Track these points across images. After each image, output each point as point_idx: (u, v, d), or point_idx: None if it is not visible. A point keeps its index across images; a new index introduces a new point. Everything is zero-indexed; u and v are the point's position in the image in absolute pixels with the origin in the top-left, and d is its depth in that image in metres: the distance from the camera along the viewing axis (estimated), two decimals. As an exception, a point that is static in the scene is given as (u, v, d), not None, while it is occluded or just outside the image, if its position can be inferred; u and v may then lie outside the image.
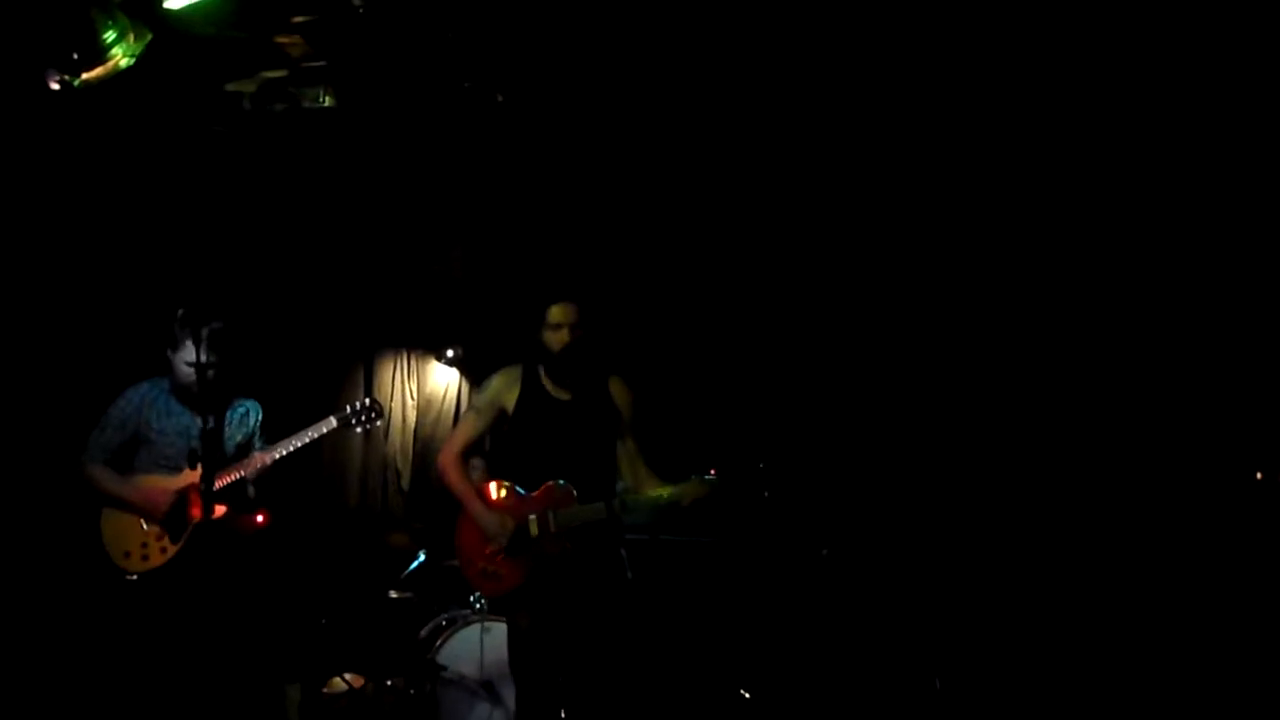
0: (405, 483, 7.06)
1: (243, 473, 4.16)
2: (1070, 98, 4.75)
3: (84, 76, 3.18)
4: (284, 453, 4.21)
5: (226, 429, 4.25)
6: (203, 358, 3.91)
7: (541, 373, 4.01)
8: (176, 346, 4.12)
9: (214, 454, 3.89)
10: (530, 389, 4.00)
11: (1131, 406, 5.29)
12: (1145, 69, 4.48)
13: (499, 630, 4.54)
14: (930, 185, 5.63)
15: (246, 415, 4.38)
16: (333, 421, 4.29)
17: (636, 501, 3.89)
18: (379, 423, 4.46)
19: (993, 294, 5.78)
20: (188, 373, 4.07)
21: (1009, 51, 4.51)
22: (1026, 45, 4.44)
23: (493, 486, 4.01)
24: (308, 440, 4.23)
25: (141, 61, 3.37)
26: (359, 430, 4.39)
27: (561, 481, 3.91)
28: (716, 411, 6.42)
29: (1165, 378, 5.18)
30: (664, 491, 3.93)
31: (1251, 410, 4.92)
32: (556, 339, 3.94)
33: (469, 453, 4.18)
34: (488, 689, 4.92)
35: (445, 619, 5.22)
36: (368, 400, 4.43)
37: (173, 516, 4.09)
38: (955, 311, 5.91)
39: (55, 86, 3.20)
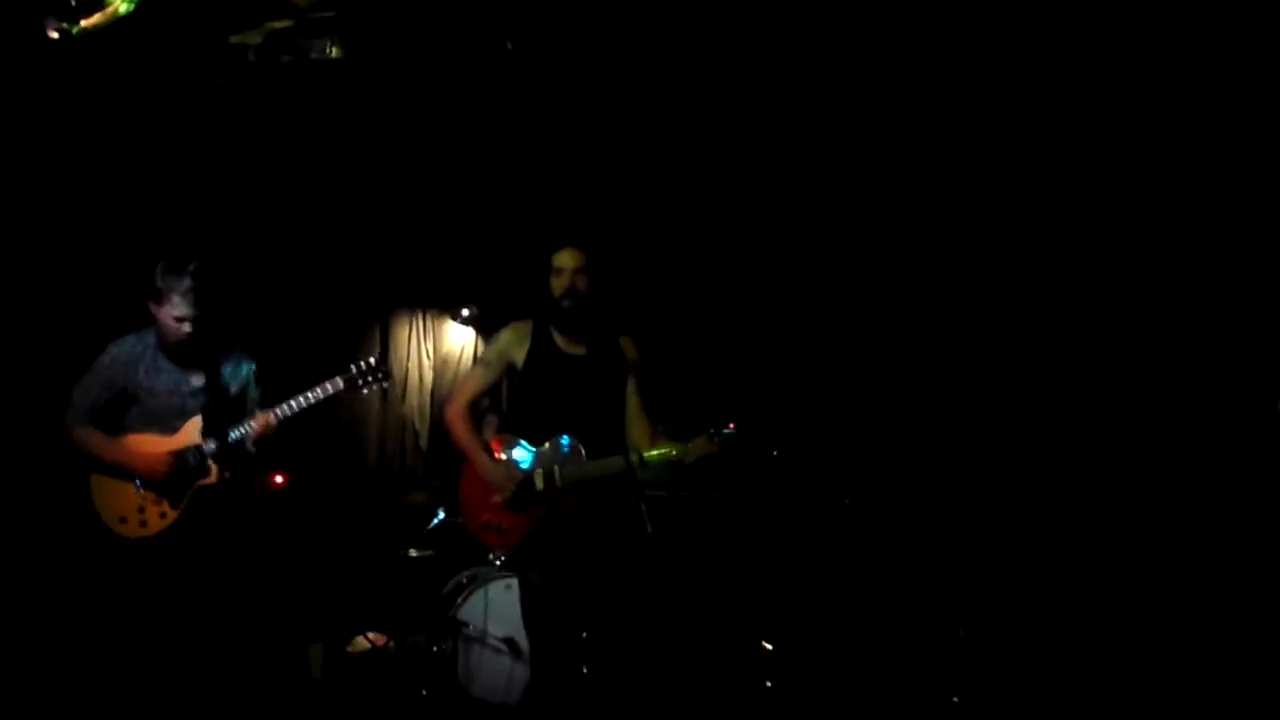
0: (423, 442, 7.05)
1: (246, 430, 3.99)
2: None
3: (83, 23, 3.10)
4: (288, 412, 4.05)
5: (221, 384, 4.05)
6: (190, 311, 3.84)
7: (552, 328, 3.96)
8: (160, 299, 3.88)
9: (218, 411, 3.80)
10: (540, 344, 3.95)
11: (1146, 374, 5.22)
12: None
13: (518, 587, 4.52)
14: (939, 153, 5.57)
15: (239, 367, 4.18)
16: (339, 382, 4.13)
17: (651, 458, 3.82)
18: (386, 384, 4.30)
19: (1008, 252, 5.69)
20: (175, 328, 3.89)
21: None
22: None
23: (499, 440, 3.97)
24: (313, 400, 4.07)
25: (142, 8, 3.29)
26: (365, 391, 4.23)
27: (568, 437, 3.86)
28: (728, 366, 6.37)
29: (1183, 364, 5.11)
30: (673, 449, 3.86)
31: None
32: (559, 284, 3.91)
33: (482, 407, 4.14)
34: (509, 645, 4.91)
35: (466, 576, 5.22)
36: (374, 360, 4.24)
37: (172, 479, 3.94)
38: (969, 274, 5.83)
39: (54, 35, 3.13)
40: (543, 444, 3.89)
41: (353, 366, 4.20)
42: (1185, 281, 5.04)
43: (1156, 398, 5.06)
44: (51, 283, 4.88)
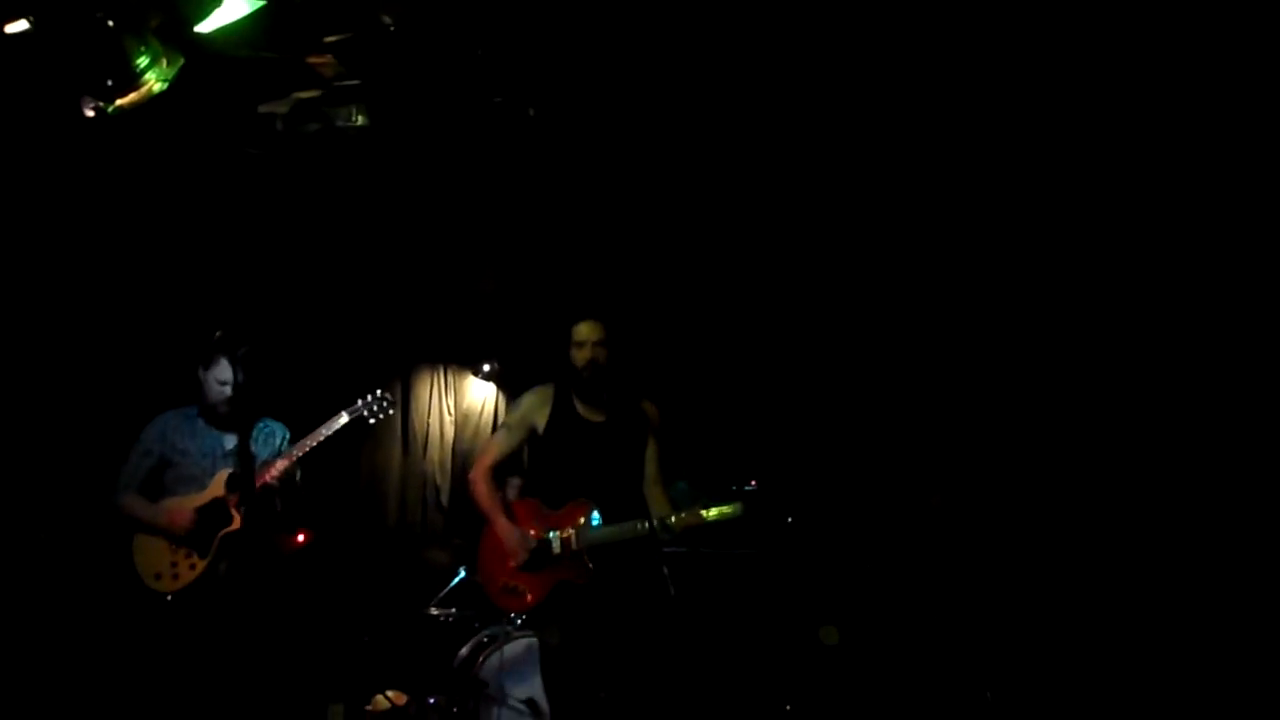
0: (445, 498, 7.05)
1: (265, 479, 4.17)
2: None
3: (118, 102, 3.20)
4: (299, 454, 4.24)
5: (251, 447, 4.17)
6: (237, 378, 3.97)
7: (573, 393, 4.01)
8: (209, 364, 4.20)
9: (245, 470, 3.92)
10: (561, 409, 4.01)
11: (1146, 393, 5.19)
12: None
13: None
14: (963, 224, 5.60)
15: (272, 435, 4.43)
16: (344, 416, 4.32)
17: (671, 526, 3.82)
18: (391, 412, 4.47)
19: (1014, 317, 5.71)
20: (219, 391, 4.19)
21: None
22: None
23: (521, 504, 4.03)
24: (322, 438, 4.26)
25: (175, 85, 3.39)
26: (372, 422, 4.40)
27: (589, 503, 3.89)
28: (746, 428, 6.39)
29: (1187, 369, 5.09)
30: (696, 514, 3.85)
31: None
32: (580, 356, 3.97)
33: (506, 470, 4.19)
34: (530, 706, 4.88)
35: (486, 636, 5.20)
36: (378, 391, 4.44)
37: (197, 532, 4.13)
38: (978, 336, 5.85)
39: (90, 113, 3.23)
40: (562, 507, 3.92)
41: (357, 400, 4.38)
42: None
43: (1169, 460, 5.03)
44: (93, 350, 5.12)
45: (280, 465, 4.20)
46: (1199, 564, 4.80)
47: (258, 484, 4.15)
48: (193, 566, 4.13)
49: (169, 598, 4.10)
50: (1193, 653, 4.67)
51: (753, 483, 3.97)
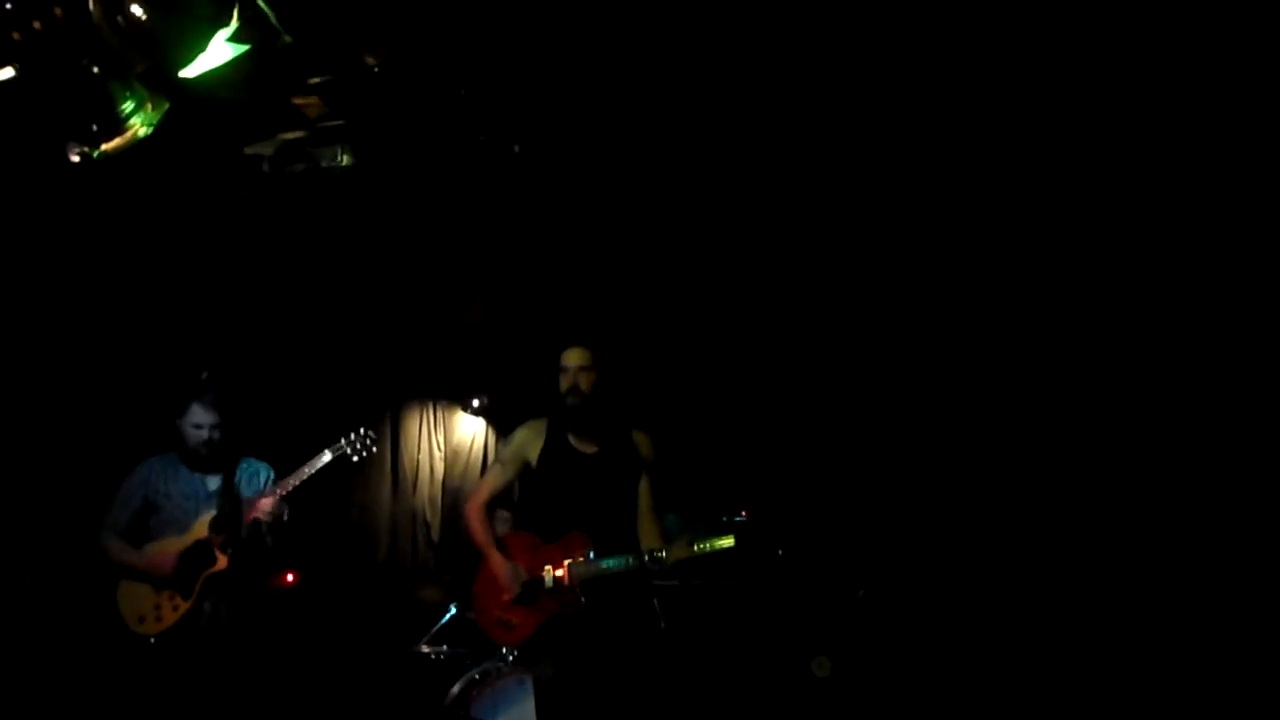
0: (435, 534, 7.04)
1: (252, 517, 4.20)
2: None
3: (103, 147, 3.22)
4: (284, 492, 4.27)
5: (235, 487, 4.31)
6: (207, 419, 4.10)
7: (566, 426, 4.02)
8: (183, 412, 4.24)
9: (232, 509, 3.95)
10: (554, 442, 4.02)
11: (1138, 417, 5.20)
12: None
13: (531, 682, 4.50)
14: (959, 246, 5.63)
15: (256, 475, 4.45)
16: (327, 455, 4.37)
17: (663, 560, 3.84)
18: (374, 449, 4.53)
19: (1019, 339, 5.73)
20: (197, 435, 4.23)
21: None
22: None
23: (513, 538, 4.04)
24: (305, 476, 4.30)
25: (160, 129, 3.41)
26: (355, 459, 4.44)
27: (582, 536, 3.89)
28: (736, 457, 6.40)
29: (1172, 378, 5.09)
30: (682, 549, 3.86)
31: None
32: (565, 381, 4.01)
33: (496, 503, 4.21)
34: (522, 743, 4.86)
35: (478, 673, 5.17)
36: (361, 429, 4.49)
37: (180, 574, 4.14)
38: (974, 357, 5.87)
39: (75, 159, 3.25)
40: (555, 540, 3.92)
41: (341, 438, 4.44)
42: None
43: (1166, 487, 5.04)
44: (79, 397, 5.15)
45: (266, 504, 4.22)
46: (1195, 569, 4.80)
47: (245, 522, 4.17)
48: (176, 608, 4.14)
49: (152, 640, 4.10)
50: (1186, 664, 4.67)
51: (743, 514, 3.98)
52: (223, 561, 4.14)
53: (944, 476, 5.84)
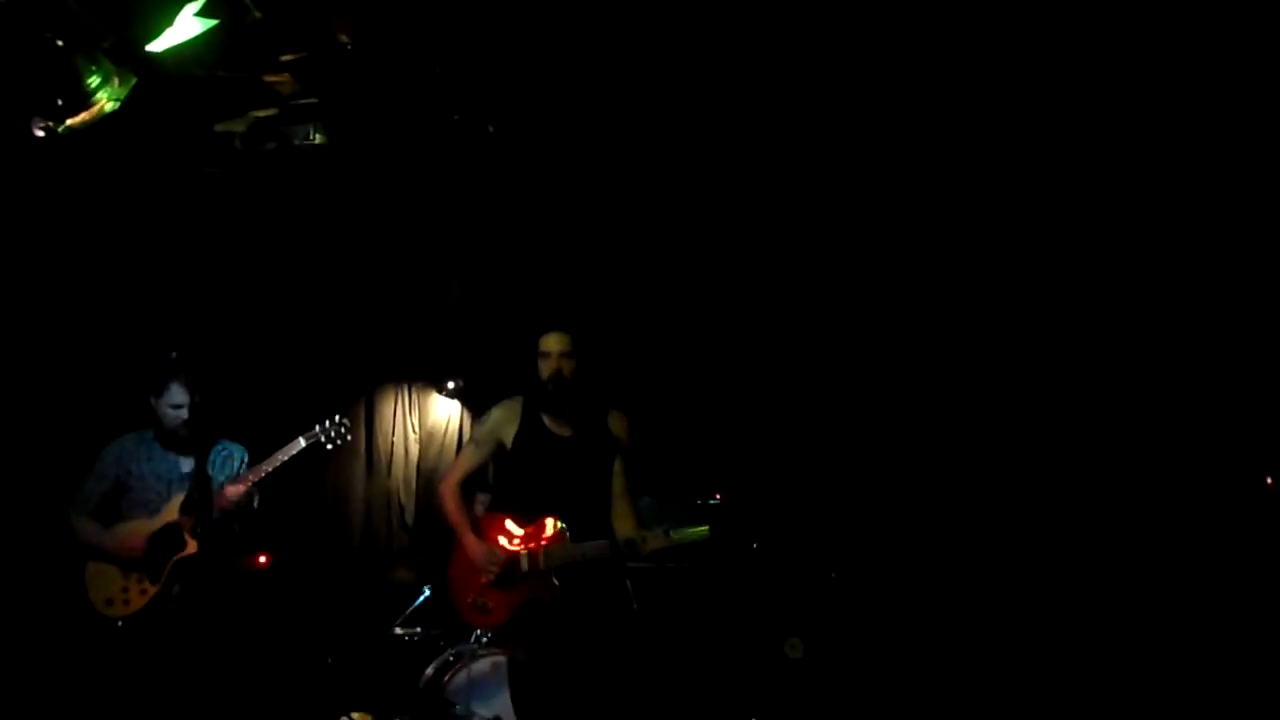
0: (409, 517, 7.02)
1: (222, 504, 4.15)
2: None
3: (69, 122, 3.17)
4: (255, 479, 4.23)
5: (208, 470, 4.20)
6: (193, 399, 4.04)
7: (541, 407, 3.99)
8: (160, 391, 4.17)
9: (202, 493, 3.91)
10: (529, 423, 3.99)
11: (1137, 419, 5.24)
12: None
13: (505, 665, 4.50)
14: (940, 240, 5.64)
15: (230, 457, 4.40)
16: (301, 442, 4.32)
17: (639, 547, 3.82)
18: (349, 437, 4.48)
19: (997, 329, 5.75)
20: (174, 416, 4.16)
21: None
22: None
23: (489, 520, 4.01)
24: (279, 463, 4.26)
25: (129, 104, 3.36)
26: (329, 447, 4.40)
27: (556, 520, 3.88)
28: (714, 438, 6.40)
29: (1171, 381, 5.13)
30: (658, 539, 3.83)
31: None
32: (546, 367, 3.96)
33: (473, 485, 4.18)
34: (496, 725, 4.86)
35: (452, 654, 5.17)
36: (336, 417, 4.44)
37: (149, 558, 4.09)
38: (955, 340, 5.89)
39: (40, 133, 3.20)
40: (531, 523, 3.91)
41: (315, 425, 4.39)
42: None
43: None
44: (50, 373, 5.09)
45: (237, 489, 4.18)
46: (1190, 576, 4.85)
47: (215, 508, 4.11)
48: (144, 592, 4.09)
49: (119, 624, 4.06)
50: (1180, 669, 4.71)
51: (717, 496, 3.97)
52: (192, 546, 4.09)
53: (916, 460, 5.86)
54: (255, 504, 4.31)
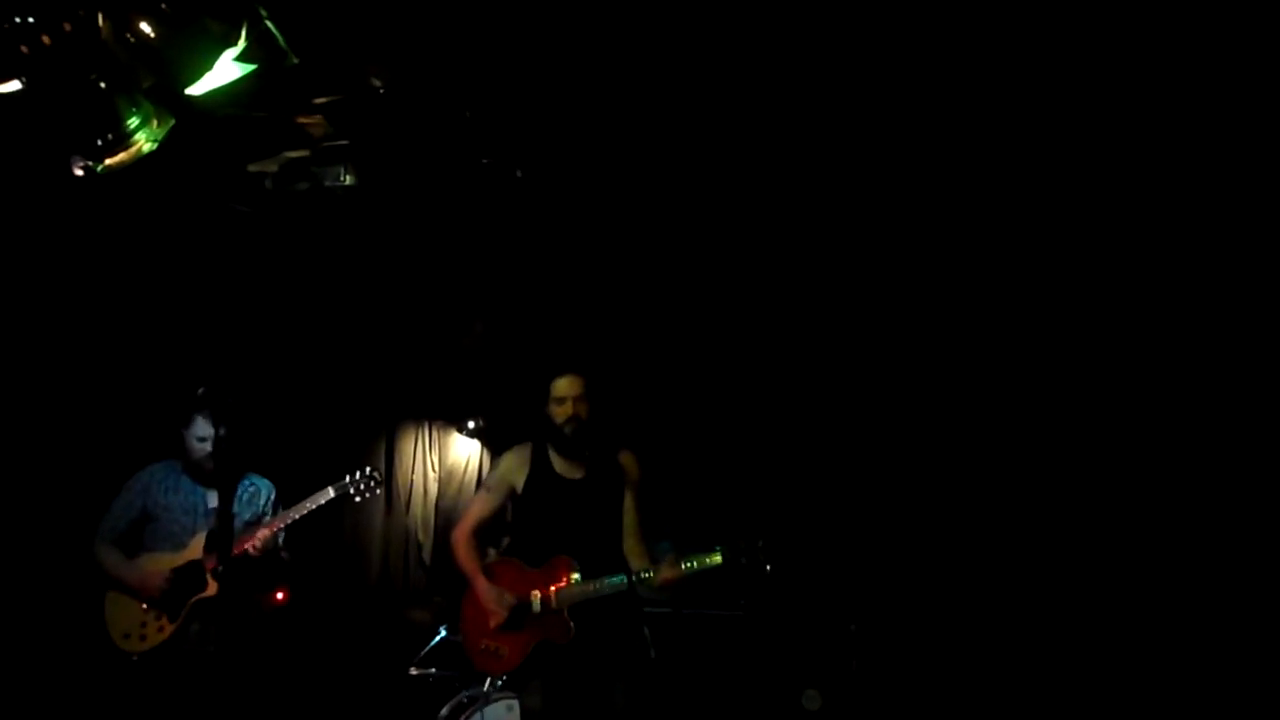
0: (427, 556, 7.00)
1: (245, 547, 4.12)
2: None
3: (108, 162, 3.23)
4: (282, 525, 4.22)
5: (234, 505, 4.17)
6: (219, 432, 3.96)
7: (551, 451, 4.01)
8: (189, 423, 4.19)
9: (224, 531, 3.90)
10: (539, 468, 4.00)
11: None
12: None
13: (519, 708, 4.47)
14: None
15: (257, 494, 4.40)
16: (330, 492, 4.29)
17: (649, 580, 3.80)
18: (379, 491, 4.46)
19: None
20: (200, 449, 4.16)
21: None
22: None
23: (501, 564, 4.01)
24: (306, 511, 4.23)
25: (165, 144, 3.42)
26: (358, 499, 4.38)
27: (569, 560, 3.87)
28: (729, 481, 6.38)
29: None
30: (669, 569, 3.80)
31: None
32: (560, 412, 3.95)
33: (494, 530, 4.18)
34: (510, 769, 4.83)
35: (466, 696, 5.15)
36: (367, 469, 4.40)
37: (169, 595, 4.07)
38: (966, 378, 5.87)
39: (79, 172, 3.26)
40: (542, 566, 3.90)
41: (345, 476, 4.35)
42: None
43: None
44: (81, 404, 5.14)
45: (262, 535, 4.16)
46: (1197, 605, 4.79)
47: (237, 550, 4.08)
48: (161, 629, 4.08)
49: (135, 658, 4.05)
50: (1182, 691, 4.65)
51: (735, 540, 3.93)
52: (213, 587, 4.06)
53: (936, 510, 5.82)
54: (280, 544, 4.30)
